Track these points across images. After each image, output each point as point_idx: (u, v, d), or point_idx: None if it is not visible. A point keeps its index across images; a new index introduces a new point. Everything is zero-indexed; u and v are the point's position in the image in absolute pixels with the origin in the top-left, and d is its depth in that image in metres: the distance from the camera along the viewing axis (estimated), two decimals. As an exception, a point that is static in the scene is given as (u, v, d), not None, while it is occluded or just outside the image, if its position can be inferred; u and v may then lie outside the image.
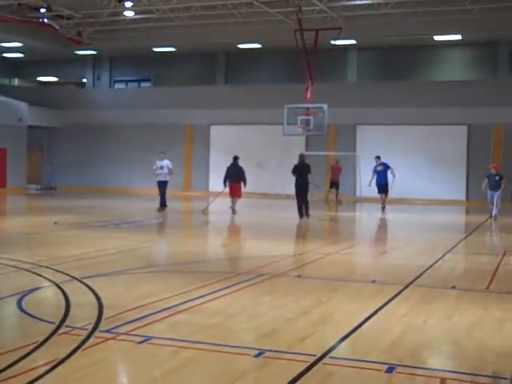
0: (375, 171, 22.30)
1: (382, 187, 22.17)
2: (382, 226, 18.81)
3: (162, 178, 19.70)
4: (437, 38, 29.04)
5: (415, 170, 28.41)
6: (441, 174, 28.20)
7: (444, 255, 11.27)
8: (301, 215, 18.24)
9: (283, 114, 23.09)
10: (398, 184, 27.36)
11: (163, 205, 19.80)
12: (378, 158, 22.71)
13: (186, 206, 26.27)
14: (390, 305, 7.07)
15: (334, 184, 26.91)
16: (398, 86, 29.76)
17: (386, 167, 22.21)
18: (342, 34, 24.19)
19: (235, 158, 20.47)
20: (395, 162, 28.31)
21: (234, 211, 19.90)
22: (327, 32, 23.98)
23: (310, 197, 18.77)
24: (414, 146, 28.67)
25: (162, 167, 19.63)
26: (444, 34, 28.54)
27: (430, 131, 28.45)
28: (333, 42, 25.30)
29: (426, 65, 31.27)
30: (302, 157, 18.80)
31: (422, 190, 28.10)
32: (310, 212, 18.44)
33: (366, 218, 21.50)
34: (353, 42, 30.14)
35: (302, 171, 18.26)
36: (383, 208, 21.94)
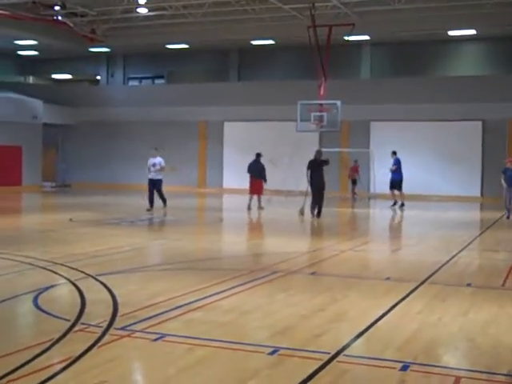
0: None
1: (395, 183, 22.02)
2: (397, 223, 18.74)
3: (156, 176, 18.78)
4: (451, 32, 28.84)
5: (430, 166, 28.27)
6: (455, 170, 28.04)
7: (459, 252, 11.21)
8: (314, 213, 17.49)
9: (296, 111, 23.07)
10: (412, 180, 27.27)
11: (164, 203, 18.94)
12: (394, 153, 22.66)
13: (201, 202, 26.32)
14: (404, 302, 7.05)
15: (353, 181, 27.09)
16: (412, 81, 29.61)
17: (394, 163, 22.21)
18: (356, 30, 24.11)
19: (258, 155, 20.56)
20: (410, 158, 28.25)
21: (260, 207, 20.02)
22: (340, 28, 23.90)
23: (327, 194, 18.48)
24: (429, 142, 28.51)
25: (154, 164, 18.75)
26: (458, 29, 28.34)
27: (445, 127, 28.29)
28: (346, 38, 25.22)
29: (441, 60, 31.07)
30: (318, 153, 18.16)
31: (436, 186, 27.97)
32: (301, 212, 17.80)
33: (380, 214, 21.41)
34: (366, 37, 30.00)
35: (318, 167, 17.64)
36: (402, 205, 21.58)
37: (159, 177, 18.80)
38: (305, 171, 17.83)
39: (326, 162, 17.78)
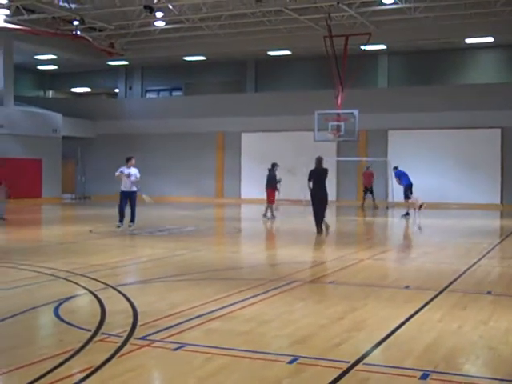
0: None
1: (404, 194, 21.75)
2: (415, 231, 18.63)
3: (132, 188, 16.63)
4: (468, 40, 28.77)
5: (448, 174, 28.13)
6: (474, 178, 27.87)
7: (479, 260, 11.14)
8: (320, 230, 15.83)
9: (314, 121, 23.09)
10: (431, 189, 27.14)
11: (134, 219, 16.74)
12: (395, 168, 22.67)
13: (219, 213, 26.37)
14: (423, 310, 7.02)
15: (368, 190, 26.89)
16: (430, 90, 29.53)
17: (396, 175, 22.05)
18: (372, 39, 24.12)
19: (272, 165, 20.77)
20: (428, 166, 28.18)
21: (273, 216, 20.12)
22: (357, 37, 23.95)
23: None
24: (447, 150, 28.39)
25: (129, 175, 16.58)
26: (475, 37, 28.25)
27: (463, 135, 28.15)
28: (363, 48, 25.25)
29: (458, 68, 30.98)
30: (319, 161, 16.10)
31: (455, 194, 27.81)
32: (325, 227, 16.06)
33: (399, 223, 21.31)
34: (383, 47, 30.01)
35: (319, 177, 15.84)
36: (407, 214, 21.52)
37: (134, 189, 16.76)
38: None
39: (326, 172, 16.05)
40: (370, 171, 27.16)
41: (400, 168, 22.60)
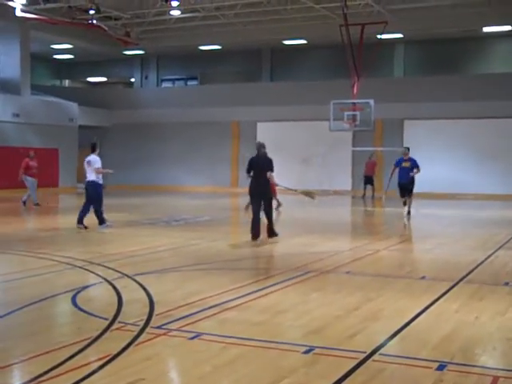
0: (398, 165, 18.21)
1: (408, 186, 18.08)
2: (431, 222, 18.52)
3: (98, 179, 14.45)
4: (486, 29, 28.46)
5: (465, 164, 27.93)
6: (491, 168, 27.65)
7: (496, 251, 11.07)
8: (255, 234, 12.14)
9: (329, 110, 23.00)
10: (447, 179, 26.99)
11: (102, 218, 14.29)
12: (408, 149, 18.52)
13: (234, 202, 26.39)
14: (440, 301, 6.99)
15: (368, 179, 26.65)
16: (446, 79, 29.28)
17: (414, 165, 17.95)
18: (389, 28, 23.96)
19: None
20: (444, 156, 27.99)
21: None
22: (373, 26, 23.78)
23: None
24: (463, 140, 28.17)
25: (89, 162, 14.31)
26: (493, 26, 27.95)
27: (480, 125, 27.92)
28: (379, 37, 25.04)
29: (475, 57, 30.67)
30: (260, 147, 12.35)
31: (472, 184, 27.62)
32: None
33: (415, 214, 21.18)
34: (399, 35, 29.77)
35: (260, 167, 12.12)
36: (409, 213, 18.12)
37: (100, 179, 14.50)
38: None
39: (270, 163, 12.23)
40: (373, 160, 27.06)
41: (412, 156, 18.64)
